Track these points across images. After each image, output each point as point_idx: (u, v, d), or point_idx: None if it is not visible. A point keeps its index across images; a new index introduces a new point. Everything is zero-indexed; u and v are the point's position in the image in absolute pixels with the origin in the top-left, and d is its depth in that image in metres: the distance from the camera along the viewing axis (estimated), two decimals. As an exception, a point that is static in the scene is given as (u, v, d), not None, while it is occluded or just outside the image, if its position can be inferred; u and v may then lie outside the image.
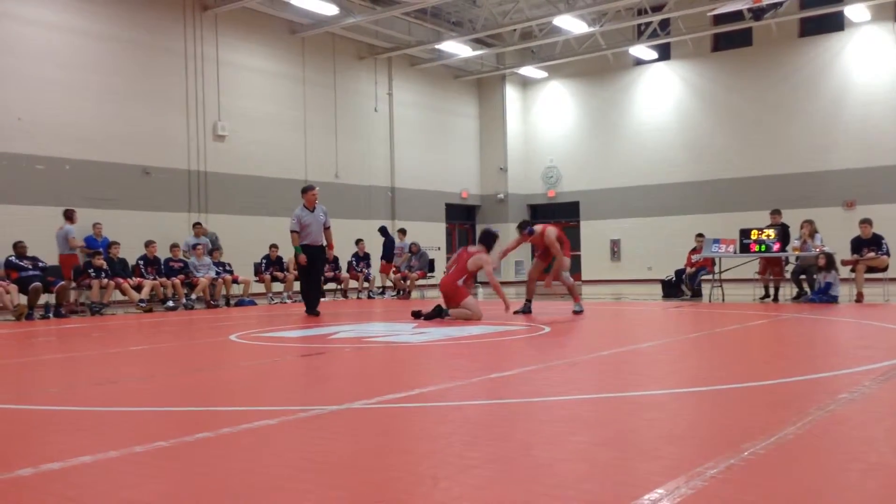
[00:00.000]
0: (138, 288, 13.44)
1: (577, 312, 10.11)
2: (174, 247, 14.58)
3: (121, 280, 13.29)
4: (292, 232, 11.04)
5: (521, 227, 10.59)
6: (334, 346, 7.06)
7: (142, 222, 15.63)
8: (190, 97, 17.07)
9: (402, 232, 18.25)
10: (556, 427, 3.36)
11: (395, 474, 2.64)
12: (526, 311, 10.39)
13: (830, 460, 2.72)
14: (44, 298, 12.20)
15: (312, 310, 11.16)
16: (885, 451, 2.80)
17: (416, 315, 9.65)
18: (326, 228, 11.32)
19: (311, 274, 11.41)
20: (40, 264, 12.36)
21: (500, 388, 4.44)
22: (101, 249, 13.65)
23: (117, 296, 13.50)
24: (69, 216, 13.90)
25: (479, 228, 20.05)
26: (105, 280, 13.00)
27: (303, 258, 11.01)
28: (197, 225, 15.93)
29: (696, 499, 2.25)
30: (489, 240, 9.93)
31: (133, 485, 2.56)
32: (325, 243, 11.36)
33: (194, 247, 14.89)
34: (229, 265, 15.39)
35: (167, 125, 16.60)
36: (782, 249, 12.53)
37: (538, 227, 10.37)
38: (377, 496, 2.40)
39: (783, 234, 12.71)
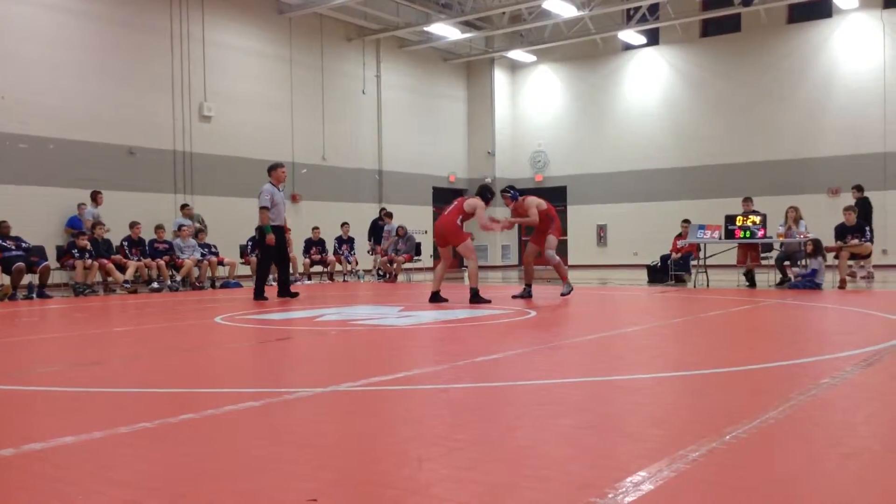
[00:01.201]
0: (123, 269, 13.37)
1: (565, 294, 10.02)
2: (159, 228, 14.50)
3: (105, 261, 13.21)
4: (263, 209, 10.55)
5: (505, 190, 10.49)
6: (320, 328, 7.06)
7: (126, 203, 15.51)
8: (175, 77, 16.91)
9: (389, 215, 18.22)
10: (540, 410, 3.38)
11: (380, 456, 2.65)
12: (526, 295, 10.22)
13: (812, 444, 2.75)
14: (27, 279, 12.12)
15: (287, 290, 11.02)
16: (865, 436, 2.83)
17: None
18: None
19: (280, 256, 11.06)
20: (24, 244, 12.26)
21: (485, 372, 4.45)
22: (84, 230, 13.56)
23: (101, 277, 13.41)
24: (95, 198, 13.99)
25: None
26: (89, 261, 12.91)
27: (271, 238, 10.58)
28: (185, 206, 15.88)
29: (679, 481, 2.27)
30: (486, 193, 9.87)
31: (116, 465, 2.55)
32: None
33: (180, 227, 14.84)
34: (215, 247, 15.32)
35: (152, 105, 16.45)
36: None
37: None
38: (363, 477, 2.40)
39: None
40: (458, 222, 9.57)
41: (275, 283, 12.21)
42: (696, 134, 22.48)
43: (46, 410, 3.58)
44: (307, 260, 16.72)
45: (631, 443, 2.80)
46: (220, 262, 15.04)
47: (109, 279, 13.34)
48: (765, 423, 2.95)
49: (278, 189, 10.79)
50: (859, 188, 14.79)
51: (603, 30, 22.21)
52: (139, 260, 13.76)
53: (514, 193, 10.37)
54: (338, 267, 17.29)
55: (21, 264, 11.72)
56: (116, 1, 15.88)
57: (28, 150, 14.39)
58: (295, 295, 11.07)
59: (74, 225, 14.15)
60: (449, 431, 2.94)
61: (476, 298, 9.43)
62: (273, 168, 10.89)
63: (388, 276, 16.97)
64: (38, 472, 2.49)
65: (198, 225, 15.58)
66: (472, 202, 9.67)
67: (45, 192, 14.34)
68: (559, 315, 8.26)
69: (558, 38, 22.92)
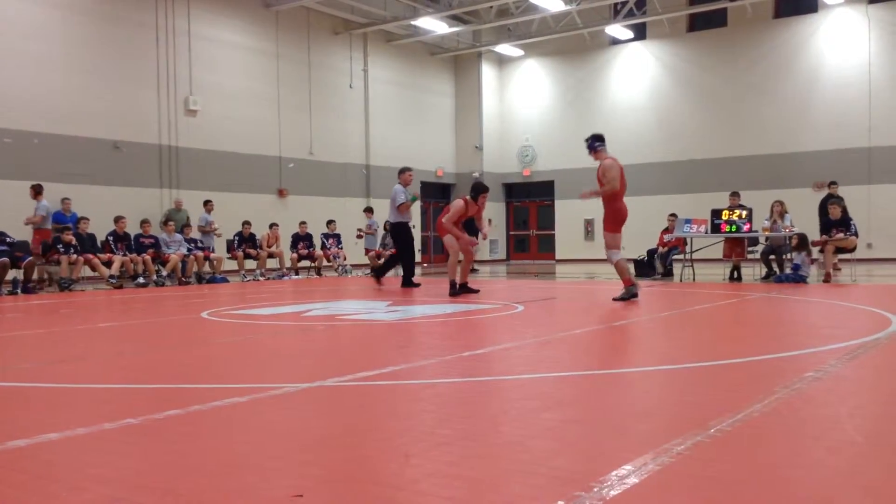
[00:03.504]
0: (108, 264, 13.29)
1: (616, 299, 8.45)
2: (144, 223, 14.43)
3: (90, 256, 13.12)
4: (402, 205, 11.80)
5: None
6: (307, 323, 7.04)
7: (112, 197, 15.42)
8: (161, 71, 16.80)
9: (370, 210, 18.18)
10: (527, 404, 3.38)
11: (367, 451, 2.65)
12: (629, 296, 8.64)
13: (796, 438, 2.77)
14: (11, 274, 12.03)
15: (410, 282, 11.86)
16: (849, 429, 2.85)
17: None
18: None
19: (408, 249, 12.06)
20: (8, 239, 12.16)
21: (472, 366, 4.45)
22: (70, 225, 13.45)
23: (86, 272, 13.33)
24: (39, 192, 13.64)
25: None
26: (74, 256, 12.82)
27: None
28: (207, 202, 16.03)
29: (664, 474, 2.28)
30: (472, 190, 10.31)
31: (102, 462, 2.54)
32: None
33: (166, 222, 14.77)
34: (201, 241, 15.25)
35: (138, 99, 16.34)
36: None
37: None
38: (349, 473, 2.40)
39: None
40: (443, 220, 10.24)
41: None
42: (683, 128, 22.55)
43: (31, 407, 3.55)
44: (294, 255, 16.67)
45: (616, 436, 2.81)
46: (207, 258, 14.98)
47: (95, 274, 13.26)
48: (749, 417, 2.97)
49: (406, 189, 11.86)
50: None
51: (590, 24, 22.23)
52: (125, 254, 13.68)
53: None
54: (325, 262, 17.27)
55: (5, 259, 11.63)
56: (101, -6, 15.76)
57: (12, 145, 14.27)
58: (417, 285, 11.89)
59: (58, 220, 14.03)
60: (435, 426, 2.94)
61: (452, 291, 9.84)
62: (402, 171, 12.11)
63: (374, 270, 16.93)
64: (22, 469, 2.48)
65: (212, 222, 15.78)
66: (454, 201, 10.36)
67: (29, 187, 14.21)
68: (546, 310, 8.28)
69: (545, 32, 22.93)
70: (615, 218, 8.76)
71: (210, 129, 17.71)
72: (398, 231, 12.12)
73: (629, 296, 8.46)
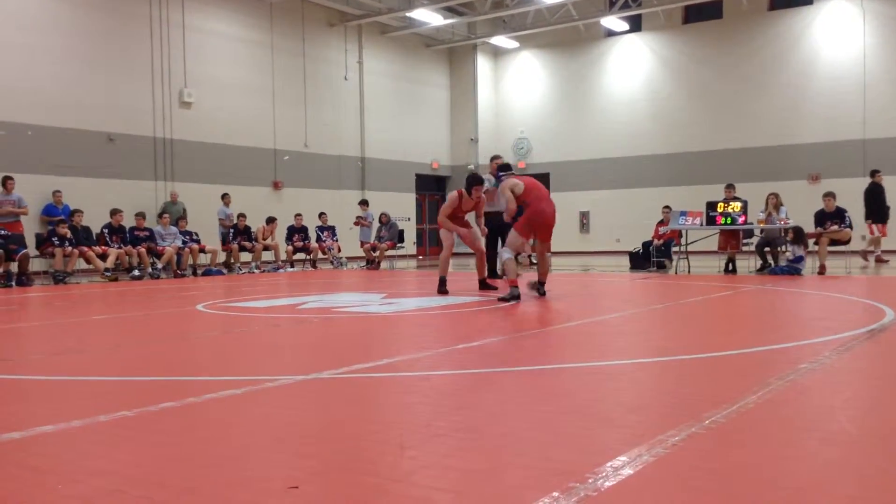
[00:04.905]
0: (103, 257, 13.25)
1: (503, 299, 7.96)
2: (139, 216, 14.39)
3: (85, 248, 13.09)
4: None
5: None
6: (302, 316, 7.04)
7: (106, 190, 15.37)
8: (155, 63, 16.72)
9: (365, 203, 18.15)
10: (521, 396, 3.39)
11: (362, 443, 2.65)
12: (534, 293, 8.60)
13: (790, 429, 2.78)
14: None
15: (493, 274, 10.76)
16: (842, 420, 2.87)
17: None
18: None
19: (493, 240, 11.05)
20: (2, 232, 12.12)
21: (466, 359, 4.46)
22: (63, 217, 13.41)
23: (81, 264, 13.30)
24: (5, 184, 13.24)
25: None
26: (69, 248, 12.79)
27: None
28: (225, 196, 16.29)
29: (658, 466, 2.29)
30: (466, 182, 9.50)
31: (96, 454, 2.54)
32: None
33: (161, 215, 14.73)
34: (196, 234, 15.22)
35: (132, 91, 16.26)
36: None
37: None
38: (345, 465, 2.40)
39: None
40: (444, 215, 9.51)
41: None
42: (678, 120, 22.54)
43: (25, 399, 3.55)
44: (290, 247, 16.65)
45: (611, 428, 2.81)
46: (202, 250, 14.95)
47: (91, 266, 13.22)
48: (744, 408, 2.98)
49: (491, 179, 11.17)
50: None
51: (585, 16, 22.18)
52: (120, 247, 13.65)
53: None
54: (320, 255, 17.25)
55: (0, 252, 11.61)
56: (94, -15, 15.67)
57: (6, 137, 14.20)
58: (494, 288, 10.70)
59: (50, 212, 14.00)
60: (430, 418, 2.95)
61: (441, 288, 9.21)
62: (491, 159, 11.66)
63: (370, 263, 16.95)
64: (17, 461, 2.47)
65: (231, 214, 16.02)
66: (449, 195, 9.80)
67: (23, 179, 14.13)
68: (541, 302, 8.28)
69: (541, 24, 22.88)
70: (527, 221, 8.31)
71: (205, 121, 17.65)
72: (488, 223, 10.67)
73: (511, 298, 7.88)
